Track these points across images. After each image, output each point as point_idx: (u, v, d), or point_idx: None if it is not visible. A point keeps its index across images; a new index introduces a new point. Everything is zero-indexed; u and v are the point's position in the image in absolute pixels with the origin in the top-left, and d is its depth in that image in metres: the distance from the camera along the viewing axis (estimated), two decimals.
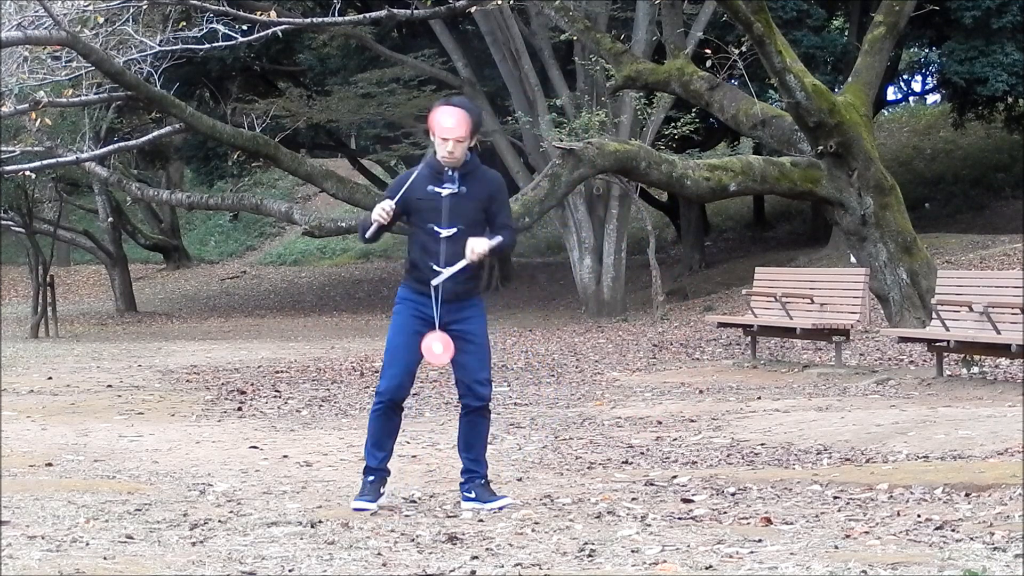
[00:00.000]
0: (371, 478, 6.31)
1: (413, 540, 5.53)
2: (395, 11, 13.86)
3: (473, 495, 6.33)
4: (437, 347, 6.18)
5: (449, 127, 6.15)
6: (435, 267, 6.18)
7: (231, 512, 6.18)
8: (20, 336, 22.73)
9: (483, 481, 6.38)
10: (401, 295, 6.37)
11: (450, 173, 6.22)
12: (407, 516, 6.10)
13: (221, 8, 13.30)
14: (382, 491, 6.34)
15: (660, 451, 8.32)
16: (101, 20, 14.05)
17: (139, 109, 23.56)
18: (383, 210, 6.19)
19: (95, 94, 15.98)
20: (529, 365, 15.21)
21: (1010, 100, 27.53)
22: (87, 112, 20.54)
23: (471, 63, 26.01)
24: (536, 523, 5.89)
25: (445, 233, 6.16)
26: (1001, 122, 29.08)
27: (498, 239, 6.25)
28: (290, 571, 4.99)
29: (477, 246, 6.16)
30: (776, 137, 15.30)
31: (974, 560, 4.84)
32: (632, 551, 5.25)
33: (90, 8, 13.76)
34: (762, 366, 13.74)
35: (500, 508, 6.22)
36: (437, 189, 6.21)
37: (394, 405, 6.33)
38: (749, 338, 14.54)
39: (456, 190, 6.20)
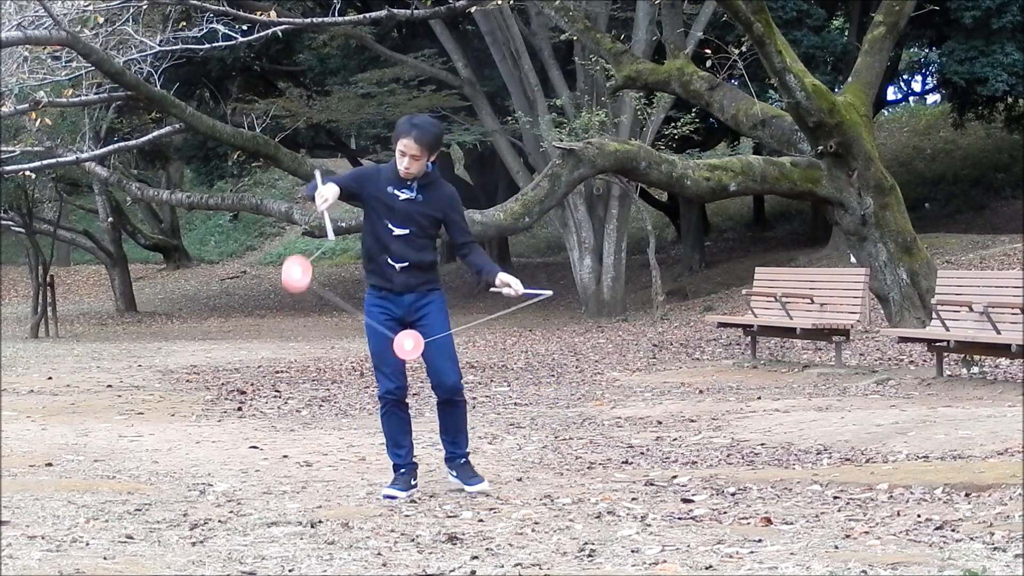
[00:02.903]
0: (402, 471, 6.67)
1: (413, 540, 5.53)
2: (395, 11, 13.85)
3: (455, 473, 6.76)
4: (408, 343, 6.39)
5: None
6: (389, 260, 6.52)
7: (231, 512, 6.19)
8: (20, 336, 22.74)
9: (463, 460, 6.74)
10: (368, 303, 6.66)
11: (409, 182, 6.54)
12: (407, 516, 6.11)
13: (221, 8, 13.31)
14: (413, 482, 6.67)
15: (660, 451, 8.32)
16: (101, 20, 14.05)
17: (139, 109, 23.56)
18: (325, 198, 6.36)
19: (95, 94, 15.98)
20: (529, 365, 15.21)
21: (1010, 100, 27.55)
22: (87, 112, 20.53)
23: (471, 63, 26.00)
24: (536, 523, 5.89)
25: (397, 232, 6.53)
26: (1001, 122, 29.09)
27: (495, 269, 6.64)
28: (290, 571, 4.99)
29: (514, 284, 6.52)
30: (776, 137, 15.30)
31: (974, 560, 4.84)
32: (632, 551, 5.25)
33: (90, 8, 13.76)
34: (762, 366, 13.74)
35: (476, 492, 6.56)
36: (396, 192, 6.53)
37: (397, 403, 6.65)
38: (749, 338, 14.53)
39: (413, 197, 6.53)
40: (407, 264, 6.51)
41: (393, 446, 6.68)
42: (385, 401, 6.61)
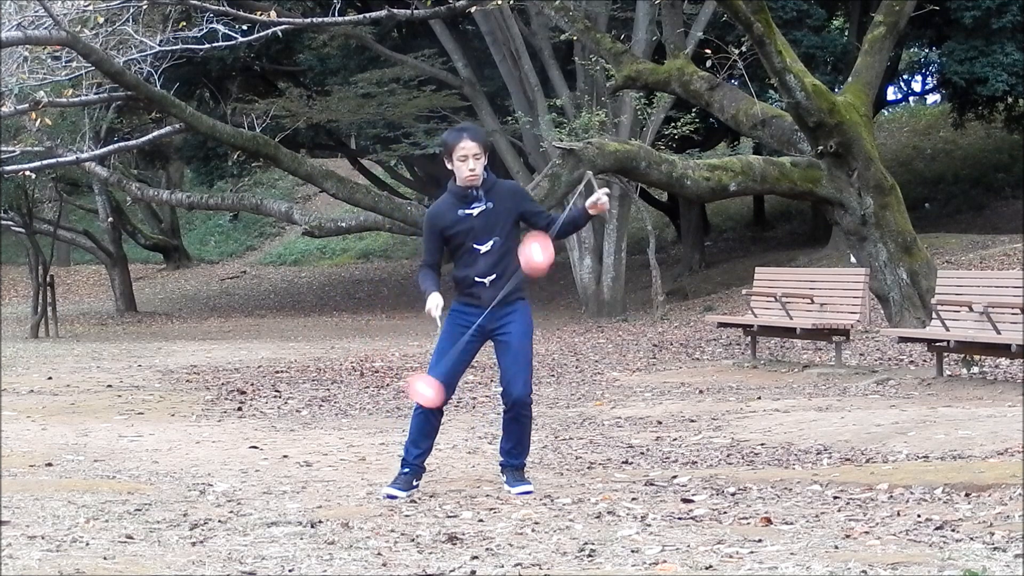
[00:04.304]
0: (406, 470, 6.69)
1: (413, 540, 5.53)
2: (395, 11, 13.86)
3: (504, 478, 6.85)
4: (427, 390, 6.47)
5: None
6: (477, 279, 6.56)
7: (231, 512, 6.19)
8: (20, 336, 22.74)
9: (514, 467, 6.81)
10: (453, 306, 6.72)
11: (475, 192, 6.59)
12: (407, 516, 6.11)
13: (221, 8, 13.31)
14: (415, 483, 6.70)
15: (660, 451, 8.32)
16: (101, 20, 14.05)
17: (139, 109, 23.56)
18: (436, 307, 6.50)
19: (95, 94, 15.98)
20: None
21: (1010, 100, 27.53)
22: (87, 112, 20.54)
23: (471, 63, 26.00)
24: (536, 523, 5.89)
25: (483, 248, 6.59)
26: (1001, 122, 29.08)
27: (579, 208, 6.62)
28: (290, 571, 4.99)
29: (601, 200, 6.48)
30: (776, 137, 15.29)
31: (974, 560, 4.84)
32: (632, 551, 5.25)
33: (90, 8, 13.76)
34: (762, 366, 13.74)
35: (519, 493, 6.61)
36: (467, 211, 6.59)
37: (434, 407, 6.66)
38: (749, 338, 14.53)
39: (484, 207, 6.58)
40: (495, 277, 6.56)
41: (411, 443, 6.70)
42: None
